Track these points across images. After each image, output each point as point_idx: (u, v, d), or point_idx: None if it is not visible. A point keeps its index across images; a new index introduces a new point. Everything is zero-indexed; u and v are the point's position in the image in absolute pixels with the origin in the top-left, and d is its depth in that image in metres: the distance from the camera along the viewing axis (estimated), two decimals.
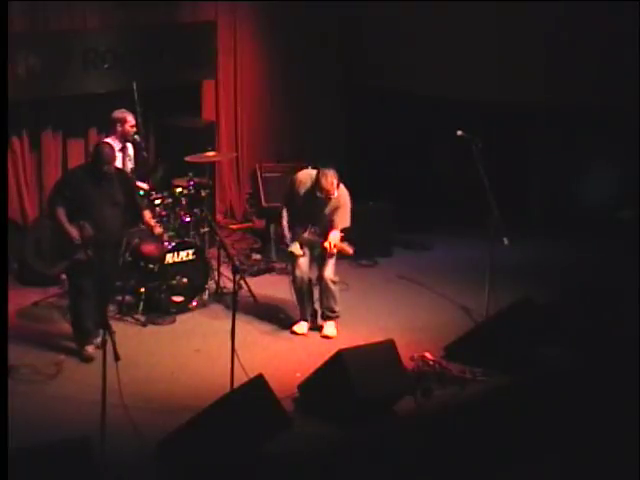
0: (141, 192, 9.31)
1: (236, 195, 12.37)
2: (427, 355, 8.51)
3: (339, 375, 7.55)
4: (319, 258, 9.13)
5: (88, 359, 8.31)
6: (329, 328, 9.17)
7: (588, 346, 8.76)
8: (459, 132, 9.28)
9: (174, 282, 9.38)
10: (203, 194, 9.94)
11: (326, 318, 9.20)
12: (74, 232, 8.20)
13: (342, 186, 8.97)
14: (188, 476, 6.66)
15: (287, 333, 9.15)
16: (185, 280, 9.43)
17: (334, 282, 9.11)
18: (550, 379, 8.29)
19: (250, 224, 12.14)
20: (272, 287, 10.18)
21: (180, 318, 9.34)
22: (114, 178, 8.39)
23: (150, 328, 9.16)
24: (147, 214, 8.81)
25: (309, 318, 9.25)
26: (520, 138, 12.19)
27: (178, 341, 8.88)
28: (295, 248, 9.04)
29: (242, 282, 9.50)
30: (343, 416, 7.47)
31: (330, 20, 12.82)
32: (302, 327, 9.18)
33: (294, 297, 9.22)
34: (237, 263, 7.98)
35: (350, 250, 9.10)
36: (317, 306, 9.31)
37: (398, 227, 11.43)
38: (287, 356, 8.66)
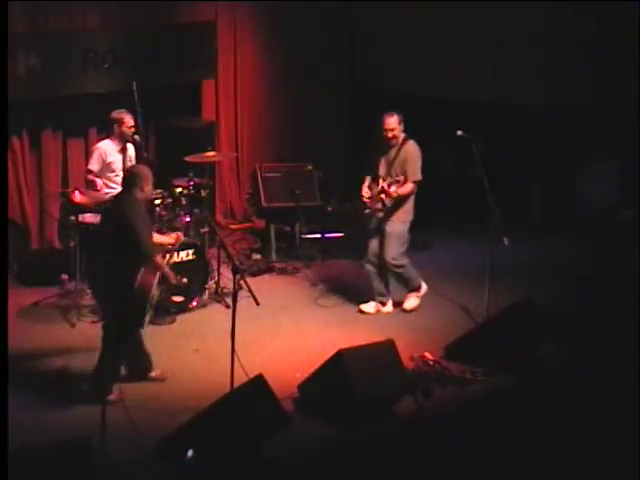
0: None
1: (236, 195, 12.37)
2: (427, 355, 8.51)
3: (339, 375, 7.55)
4: (381, 239, 9.46)
5: (108, 403, 7.02)
6: (408, 302, 9.65)
7: (588, 346, 8.76)
8: (459, 132, 9.26)
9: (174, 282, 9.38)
10: (203, 194, 9.94)
11: (406, 292, 9.70)
12: (173, 274, 7.91)
13: (412, 141, 9.37)
14: (188, 476, 6.66)
15: (287, 333, 9.15)
16: (185, 280, 9.43)
17: (396, 265, 9.46)
18: (550, 379, 8.29)
19: (250, 224, 12.14)
20: (272, 287, 10.19)
21: (180, 318, 9.34)
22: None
23: (150, 328, 9.12)
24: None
25: (377, 299, 9.59)
26: (520, 138, 12.17)
27: (178, 341, 8.88)
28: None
29: (242, 282, 9.49)
30: (343, 416, 7.47)
31: (330, 20, 12.81)
32: (369, 307, 9.60)
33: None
34: (237, 263, 7.95)
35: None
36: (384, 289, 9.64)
37: None
38: (287, 356, 8.66)
